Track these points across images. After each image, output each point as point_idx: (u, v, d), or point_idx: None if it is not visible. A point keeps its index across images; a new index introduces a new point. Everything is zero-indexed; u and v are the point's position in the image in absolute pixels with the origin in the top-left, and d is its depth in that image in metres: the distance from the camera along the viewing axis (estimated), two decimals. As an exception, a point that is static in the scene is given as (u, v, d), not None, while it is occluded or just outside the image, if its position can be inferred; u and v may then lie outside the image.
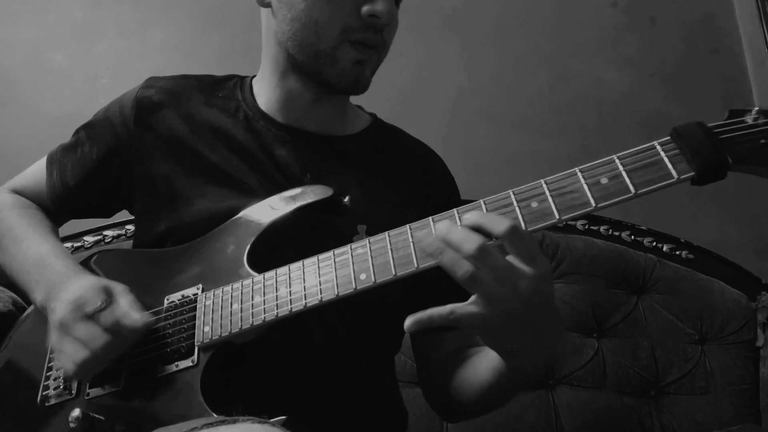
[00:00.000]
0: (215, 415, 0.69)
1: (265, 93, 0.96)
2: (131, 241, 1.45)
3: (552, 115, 1.80)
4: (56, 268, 0.85)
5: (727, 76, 1.84)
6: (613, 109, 1.81)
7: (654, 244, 1.54)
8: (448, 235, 0.62)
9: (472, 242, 0.61)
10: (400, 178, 0.97)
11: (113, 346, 0.74)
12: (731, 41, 1.86)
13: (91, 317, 0.74)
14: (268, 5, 0.91)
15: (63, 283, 0.81)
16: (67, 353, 0.76)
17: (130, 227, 1.48)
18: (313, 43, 0.85)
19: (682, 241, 1.55)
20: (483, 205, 0.68)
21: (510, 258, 0.62)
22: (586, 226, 1.55)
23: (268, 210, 0.83)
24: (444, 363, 0.94)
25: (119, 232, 1.49)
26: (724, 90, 1.83)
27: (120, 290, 0.79)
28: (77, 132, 1.00)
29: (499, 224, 0.62)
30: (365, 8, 0.82)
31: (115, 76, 1.74)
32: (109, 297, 0.77)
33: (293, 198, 0.83)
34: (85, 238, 1.48)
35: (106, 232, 1.49)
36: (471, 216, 0.64)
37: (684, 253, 1.53)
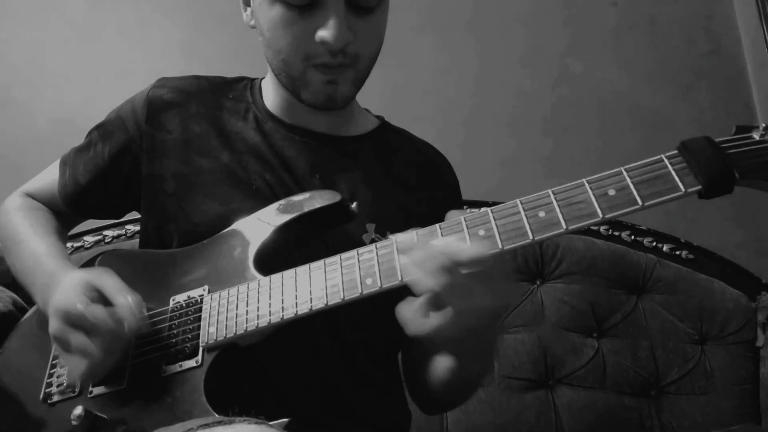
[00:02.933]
0: (216, 416, 0.69)
1: (271, 95, 0.96)
2: (131, 242, 1.46)
3: (552, 115, 1.80)
4: (46, 269, 0.84)
5: (727, 76, 1.84)
6: (613, 109, 1.81)
7: (654, 244, 1.54)
8: (414, 250, 0.65)
9: (439, 260, 0.63)
10: (406, 178, 0.97)
11: (111, 350, 0.73)
12: (731, 41, 1.86)
13: (79, 326, 0.73)
14: (254, 27, 0.91)
15: (52, 285, 0.80)
16: (71, 366, 0.76)
17: (131, 227, 1.48)
18: (284, 69, 0.86)
19: (682, 241, 1.55)
20: (490, 214, 0.68)
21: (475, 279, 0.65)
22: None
23: (275, 214, 0.83)
24: (420, 361, 0.95)
25: (119, 232, 1.49)
26: (724, 90, 1.83)
27: (99, 277, 0.77)
28: (90, 133, 1.00)
29: (463, 252, 0.64)
30: (318, 34, 0.80)
31: (115, 76, 1.74)
32: (87, 296, 0.74)
33: (301, 202, 0.83)
34: (85, 238, 1.48)
35: (106, 232, 1.49)
36: (437, 242, 0.66)
37: (684, 253, 1.54)
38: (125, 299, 0.74)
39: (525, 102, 1.81)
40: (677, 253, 1.54)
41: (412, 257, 0.65)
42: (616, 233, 1.55)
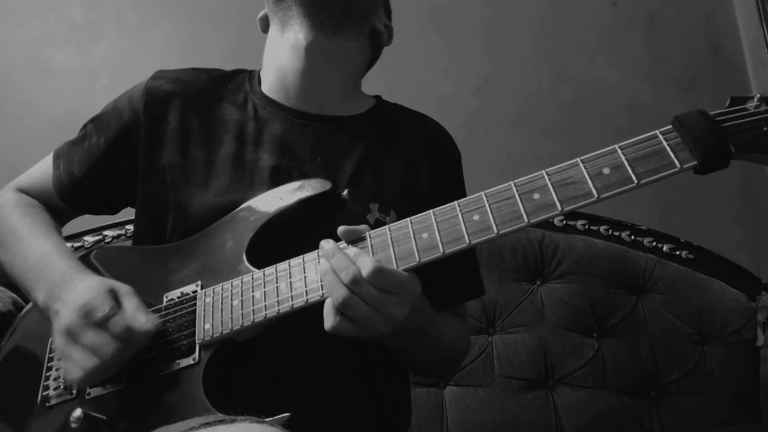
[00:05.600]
0: (217, 414, 0.69)
1: (269, 81, 0.97)
2: (131, 242, 1.45)
3: (552, 115, 1.80)
4: (58, 267, 0.84)
5: (727, 76, 1.84)
6: (613, 108, 1.81)
7: (654, 244, 1.54)
8: (332, 259, 0.69)
9: (348, 272, 0.67)
10: (408, 153, 0.97)
11: (123, 352, 0.74)
12: (731, 41, 1.86)
13: (100, 324, 0.73)
14: None
15: (66, 283, 0.80)
16: (75, 361, 0.74)
17: (131, 227, 1.48)
18: None
19: (682, 241, 1.55)
20: (484, 198, 0.68)
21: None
22: (586, 226, 1.55)
23: (266, 205, 0.83)
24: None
25: (119, 232, 1.49)
26: (724, 90, 1.83)
27: (125, 292, 0.78)
28: (84, 126, 1.00)
29: (365, 267, 0.67)
30: None
31: (115, 76, 1.74)
32: (115, 301, 0.76)
33: (291, 192, 0.82)
34: (85, 238, 1.47)
35: (106, 232, 1.48)
36: (349, 252, 0.70)
37: (684, 253, 1.53)
38: (142, 319, 0.75)
39: (524, 102, 1.81)
40: (677, 253, 1.53)
41: (328, 264, 0.69)
42: (616, 233, 1.55)
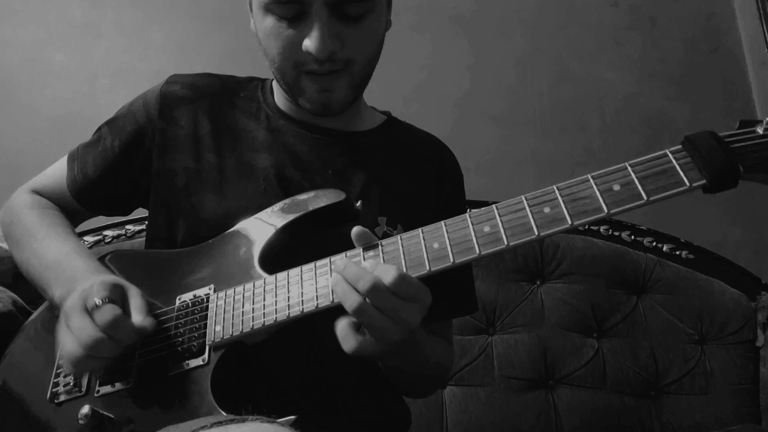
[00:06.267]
0: (225, 414, 0.69)
1: (281, 95, 0.98)
2: (131, 241, 1.46)
3: (552, 115, 1.80)
4: (79, 265, 0.84)
5: (727, 76, 1.84)
6: (613, 109, 1.82)
7: (654, 244, 1.54)
8: (344, 271, 0.69)
9: (365, 281, 0.66)
10: (414, 171, 0.98)
11: (105, 345, 0.72)
12: (731, 41, 1.86)
13: (89, 312, 0.73)
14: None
15: (84, 279, 0.80)
16: (62, 343, 0.75)
17: (131, 227, 1.48)
18: (280, 77, 0.89)
19: (682, 241, 1.55)
20: (495, 210, 0.69)
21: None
22: (586, 226, 1.55)
23: (280, 213, 0.84)
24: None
25: (119, 232, 1.49)
26: (724, 90, 1.83)
27: (134, 293, 0.78)
28: (99, 129, 1.01)
29: (387, 274, 0.66)
30: (303, 44, 0.82)
31: (115, 76, 1.74)
32: (115, 296, 0.75)
33: (306, 201, 0.83)
34: (85, 238, 1.47)
35: (106, 232, 1.48)
36: (366, 264, 0.70)
37: (684, 253, 1.54)
38: (138, 318, 0.75)
39: (525, 102, 1.81)
40: (677, 253, 1.54)
41: (342, 275, 0.69)
42: (616, 233, 1.55)
